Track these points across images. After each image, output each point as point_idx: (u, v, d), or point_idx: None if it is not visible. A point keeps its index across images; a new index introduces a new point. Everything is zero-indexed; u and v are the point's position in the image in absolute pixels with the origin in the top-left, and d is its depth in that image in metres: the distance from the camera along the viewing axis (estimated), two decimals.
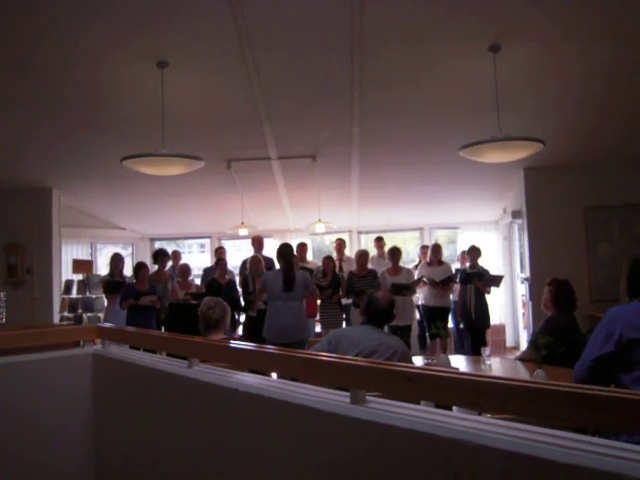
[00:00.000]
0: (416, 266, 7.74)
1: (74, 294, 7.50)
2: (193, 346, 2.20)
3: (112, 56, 4.49)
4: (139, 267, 6.45)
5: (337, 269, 7.04)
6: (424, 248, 8.01)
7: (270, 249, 7.81)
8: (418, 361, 4.33)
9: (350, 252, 8.60)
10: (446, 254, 8.30)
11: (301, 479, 1.59)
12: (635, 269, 2.42)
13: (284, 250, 5.40)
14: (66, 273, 8.12)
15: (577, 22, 4.22)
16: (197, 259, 11.59)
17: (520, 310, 8.89)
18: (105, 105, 5.32)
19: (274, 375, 2.23)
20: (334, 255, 7.49)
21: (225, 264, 6.98)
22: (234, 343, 2.21)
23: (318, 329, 6.88)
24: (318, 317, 6.76)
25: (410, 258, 9.44)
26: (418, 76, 5.04)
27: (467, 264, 7.28)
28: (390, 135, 6.28)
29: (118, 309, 6.32)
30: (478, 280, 6.81)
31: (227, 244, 9.81)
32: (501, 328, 8.89)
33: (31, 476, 2.39)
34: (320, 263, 7.11)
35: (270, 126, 5.97)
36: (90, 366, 2.61)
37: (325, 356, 1.73)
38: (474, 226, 9.45)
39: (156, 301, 6.21)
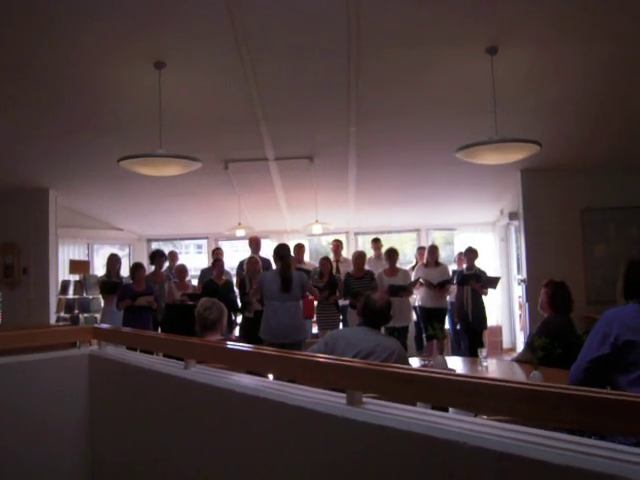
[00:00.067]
0: (413, 267, 7.76)
1: (71, 295, 7.48)
2: (190, 347, 2.20)
3: (111, 56, 4.48)
4: (136, 268, 6.43)
5: (334, 270, 7.04)
6: (421, 249, 8.03)
7: (267, 250, 7.80)
8: (415, 362, 4.34)
9: (347, 253, 8.62)
10: (443, 255, 8.32)
11: None
12: (632, 271, 2.43)
13: (281, 250, 5.40)
14: (63, 274, 8.10)
15: (575, 24, 4.23)
16: (194, 260, 11.57)
17: (517, 311, 8.90)
18: (103, 105, 5.31)
19: (271, 376, 2.23)
20: (331, 256, 7.49)
21: (222, 265, 6.97)
22: (231, 344, 2.21)
23: (315, 330, 6.88)
24: (315, 318, 6.76)
25: (407, 259, 9.44)
26: (415, 77, 5.04)
27: (464, 265, 7.30)
28: (387, 136, 6.29)
29: (115, 310, 6.30)
30: (475, 281, 6.83)
31: (224, 245, 9.80)
32: (498, 329, 8.91)
33: (28, 476, 2.38)
34: (317, 264, 7.12)
35: (267, 127, 5.97)
36: (86, 367, 2.61)
37: (322, 357, 1.73)
38: (471, 227, 9.46)
39: (153, 302, 6.20)
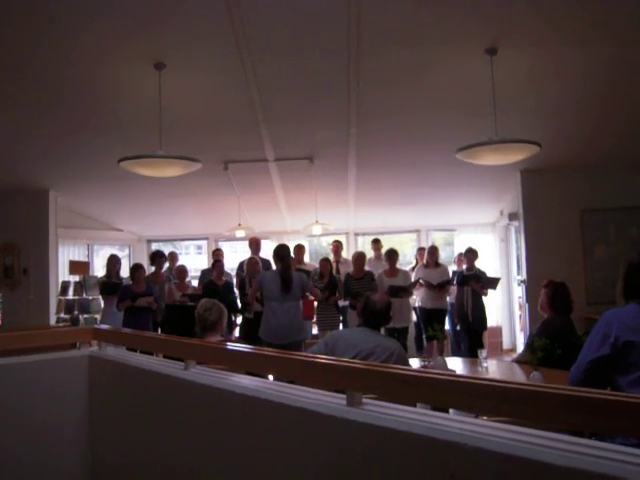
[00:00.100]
0: (413, 268, 7.76)
1: (70, 295, 7.47)
2: (190, 348, 2.19)
3: (111, 56, 4.48)
4: (136, 268, 6.43)
5: (334, 271, 7.04)
6: (421, 250, 8.03)
7: (267, 251, 7.80)
8: (415, 363, 4.34)
9: (347, 254, 8.61)
10: (443, 256, 8.32)
11: None
12: (631, 272, 2.42)
13: (281, 251, 5.39)
14: (63, 274, 8.10)
15: (574, 24, 4.23)
16: (194, 261, 11.58)
17: (517, 312, 8.91)
18: (103, 106, 5.31)
19: (271, 377, 2.23)
20: (331, 257, 7.49)
21: (222, 266, 6.97)
22: (231, 345, 2.21)
23: (315, 331, 6.88)
24: (315, 319, 6.76)
25: (407, 260, 9.44)
26: (415, 78, 5.04)
27: (464, 266, 7.30)
28: (387, 137, 6.29)
29: (115, 310, 6.30)
30: (475, 282, 6.82)
31: (224, 246, 9.80)
32: (498, 330, 8.90)
33: (28, 477, 2.38)
34: (317, 265, 7.12)
35: (267, 128, 5.97)
36: (86, 368, 2.61)
37: (322, 358, 1.73)
38: (471, 228, 9.46)
39: (153, 302, 6.19)
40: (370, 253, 8.14)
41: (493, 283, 6.99)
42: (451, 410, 1.88)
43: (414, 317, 7.41)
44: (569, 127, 5.92)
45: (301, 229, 8.60)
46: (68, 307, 7.38)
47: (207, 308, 3.53)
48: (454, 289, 7.18)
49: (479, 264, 7.14)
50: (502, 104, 4.65)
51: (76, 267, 7.79)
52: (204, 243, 10.62)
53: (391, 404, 1.49)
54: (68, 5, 3.82)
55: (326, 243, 10.35)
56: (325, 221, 7.91)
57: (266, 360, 1.88)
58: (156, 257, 7.17)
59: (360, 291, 5.91)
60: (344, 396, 1.52)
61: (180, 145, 5.20)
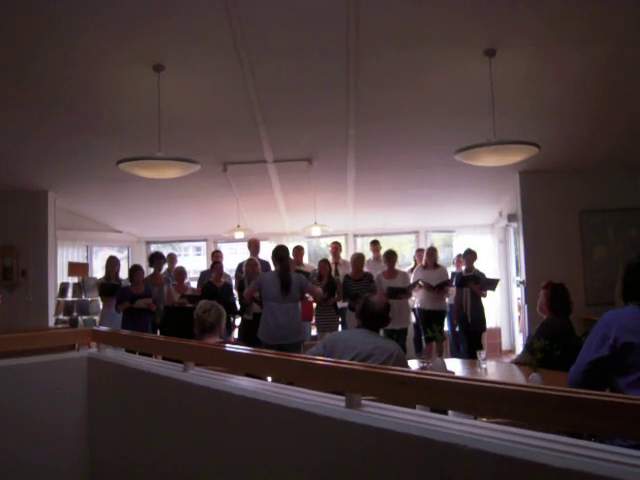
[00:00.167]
0: (412, 269, 7.76)
1: (69, 297, 7.48)
2: (188, 350, 2.19)
3: (111, 57, 4.48)
4: (135, 270, 6.43)
5: (333, 272, 7.04)
6: (420, 251, 8.03)
7: (266, 252, 7.79)
8: (414, 365, 4.33)
9: (346, 255, 8.61)
10: (442, 257, 8.33)
11: None
12: (630, 273, 2.42)
13: (280, 252, 5.39)
14: (61, 276, 8.10)
15: (573, 25, 4.23)
16: (193, 262, 11.58)
17: (516, 313, 8.91)
18: (102, 106, 5.31)
19: (269, 379, 2.23)
20: (330, 258, 7.49)
21: (221, 267, 6.97)
22: (230, 347, 2.20)
23: (314, 332, 6.87)
24: (314, 320, 6.75)
25: (406, 261, 9.45)
26: (414, 78, 5.04)
27: (463, 267, 7.30)
28: (386, 138, 6.29)
29: (114, 312, 6.30)
30: (474, 283, 6.83)
31: (223, 247, 9.80)
32: (497, 331, 8.91)
33: (27, 478, 2.38)
34: (316, 266, 7.12)
35: (266, 129, 5.97)
36: (85, 369, 2.61)
37: (320, 360, 1.73)
38: (470, 229, 9.47)
39: (152, 304, 6.19)
40: (369, 254, 8.14)
41: (492, 284, 6.99)
42: (450, 412, 1.88)
43: (413, 318, 7.40)
44: (568, 128, 5.93)
45: (300, 230, 8.60)
46: (67, 309, 7.39)
47: (206, 309, 3.52)
48: (453, 290, 7.19)
49: (478, 265, 7.14)
50: (501, 105, 4.66)
51: (75, 268, 7.80)
52: (203, 244, 10.62)
53: (390, 406, 1.49)
54: (68, 5, 3.82)
55: (325, 244, 10.36)
56: (324, 222, 7.92)
57: (265, 362, 1.87)
58: (155, 258, 7.17)
59: (359, 292, 5.91)
60: (343, 398, 1.52)
61: (179, 147, 5.20)
